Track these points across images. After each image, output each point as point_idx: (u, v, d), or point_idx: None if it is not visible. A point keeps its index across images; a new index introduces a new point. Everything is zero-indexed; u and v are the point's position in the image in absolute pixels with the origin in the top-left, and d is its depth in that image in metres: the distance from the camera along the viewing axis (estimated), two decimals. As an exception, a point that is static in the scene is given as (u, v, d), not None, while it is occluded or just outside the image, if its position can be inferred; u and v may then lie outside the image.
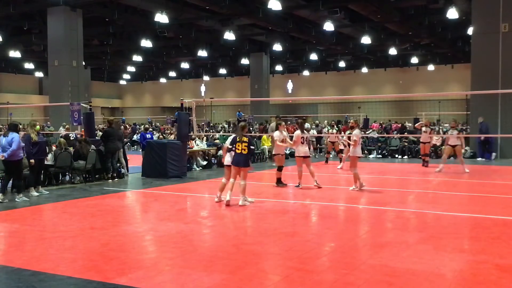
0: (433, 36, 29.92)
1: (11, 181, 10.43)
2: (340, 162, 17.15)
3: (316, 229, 7.55)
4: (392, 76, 44.63)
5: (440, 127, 28.61)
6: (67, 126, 20.80)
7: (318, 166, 17.50)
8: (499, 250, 6.22)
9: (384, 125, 29.97)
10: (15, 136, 10.01)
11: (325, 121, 29.82)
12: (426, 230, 7.41)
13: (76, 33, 23.40)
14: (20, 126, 12.38)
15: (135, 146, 26.86)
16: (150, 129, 28.23)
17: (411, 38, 31.43)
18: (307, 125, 23.40)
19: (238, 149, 9.35)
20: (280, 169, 12.08)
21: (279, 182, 12.04)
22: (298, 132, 11.89)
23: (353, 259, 5.89)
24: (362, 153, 16.61)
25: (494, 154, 18.94)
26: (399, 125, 29.74)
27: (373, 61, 41.47)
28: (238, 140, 9.42)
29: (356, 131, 11.40)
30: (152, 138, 16.20)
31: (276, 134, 12.41)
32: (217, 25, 27.04)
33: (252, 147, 9.48)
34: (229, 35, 26.72)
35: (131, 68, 46.64)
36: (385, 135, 23.01)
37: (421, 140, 16.95)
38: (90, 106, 16.78)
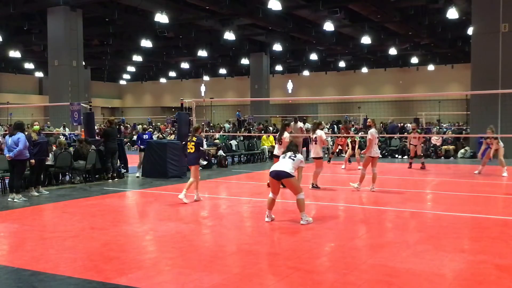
0: (433, 36, 29.92)
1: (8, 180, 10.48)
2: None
3: (316, 229, 7.55)
4: (392, 76, 44.64)
5: (439, 127, 28.62)
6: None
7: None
8: (499, 250, 6.22)
9: (385, 124, 29.83)
10: (21, 136, 10.03)
11: (323, 122, 29.71)
12: (426, 230, 7.41)
13: (76, 33, 23.41)
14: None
15: (135, 146, 26.79)
16: (150, 129, 28.21)
17: (411, 38, 31.44)
18: (307, 125, 23.40)
19: (188, 148, 10.07)
20: None
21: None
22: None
23: (353, 259, 5.89)
24: (359, 154, 16.53)
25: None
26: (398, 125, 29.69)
27: (373, 61, 41.48)
28: (188, 140, 10.20)
29: (371, 130, 11.23)
30: (149, 138, 15.68)
31: (286, 135, 12.21)
32: (217, 25, 27.05)
33: (200, 147, 10.12)
34: (229, 35, 26.72)
35: (131, 68, 46.64)
36: (385, 135, 22.99)
37: (411, 143, 16.66)
38: (90, 106, 16.79)
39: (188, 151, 10.08)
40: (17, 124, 10.44)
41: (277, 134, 12.54)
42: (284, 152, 8.30)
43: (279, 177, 7.81)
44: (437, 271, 5.36)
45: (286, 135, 11.79)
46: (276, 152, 12.22)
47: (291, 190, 7.90)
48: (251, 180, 13.96)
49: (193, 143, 10.03)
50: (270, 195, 7.96)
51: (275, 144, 12.81)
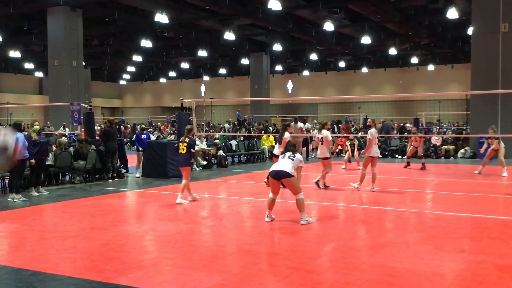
0: (433, 36, 29.93)
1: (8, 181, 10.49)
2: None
3: (316, 229, 7.55)
4: (392, 76, 44.64)
5: (439, 127, 28.64)
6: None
7: (319, 166, 17.50)
8: (499, 250, 6.22)
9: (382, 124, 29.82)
10: (19, 136, 10.03)
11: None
12: (426, 230, 7.41)
13: (76, 33, 23.41)
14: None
15: (135, 146, 26.76)
16: (150, 129, 28.17)
17: (411, 38, 31.45)
18: (307, 125, 23.40)
19: (180, 149, 9.91)
20: None
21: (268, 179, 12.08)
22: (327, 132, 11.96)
23: (353, 259, 5.89)
24: (359, 155, 16.54)
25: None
26: (397, 125, 29.73)
27: (373, 61, 41.48)
28: (180, 140, 10.07)
29: (371, 130, 11.25)
30: (147, 139, 15.31)
31: (287, 135, 12.21)
32: (217, 25, 27.06)
33: (192, 149, 9.97)
34: (229, 35, 26.73)
35: (131, 68, 46.64)
36: (385, 135, 22.98)
37: (413, 145, 16.71)
38: (90, 106, 16.79)
39: (180, 151, 9.92)
40: (15, 124, 10.47)
41: (278, 135, 12.55)
42: (283, 152, 8.31)
43: (279, 177, 7.81)
44: (437, 271, 5.36)
45: (287, 135, 11.81)
46: (275, 151, 12.22)
47: (291, 190, 7.90)
48: (251, 180, 13.95)
49: (185, 144, 9.87)
50: (270, 195, 7.97)
51: (275, 144, 12.78)
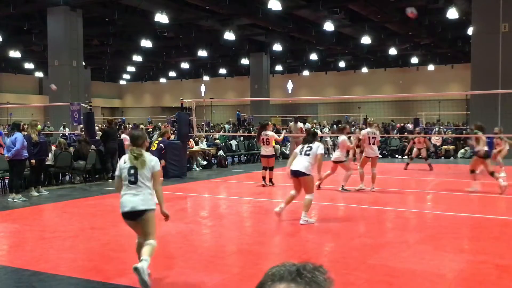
0: (433, 36, 29.91)
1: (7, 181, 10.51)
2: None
3: (316, 229, 7.55)
4: (392, 76, 44.60)
5: (439, 128, 28.63)
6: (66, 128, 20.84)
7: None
8: (499, 250, 6.22)
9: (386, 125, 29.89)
10: (18, 136, 10.06)
11: (324, 121, 29.82)
12: (426, 230, 7.41)
13: (76, 33, 23.40)
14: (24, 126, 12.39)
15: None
16: (149, 129, 28.17)
17: (411, 38, 31.44)
18: (307, 125, 23.40)
19: (151, 146, 10.28)
20: (265, 168, 12.20)
21: (264, 180, 12.13)
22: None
23: (353, 259, 5.89)
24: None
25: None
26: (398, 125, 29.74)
27: (373, 61, 41.45)
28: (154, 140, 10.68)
29: (363, 131, 11.25)
30: None
31: (271, 133, 12.21)
32: (217, 25, 27.03)
33: (162, 148, 10.29)
34: (229, 35, 26.72)
35: (131, 68, 46.60)
36: (385, 135, 22.97)
37: (416, 147, 16.57)
38: (90, 106, 16.79)
39: (151, 148, 10.20)
40: (14, 124, 10.51)
41: (257, 135, 12.66)
42: (302, 145, 8.08)
43: (297, 175, 7.75)
44: (437, 271, 5.36)
45: (271, 133, 11.92)
46: (262, 152, 12.25)
47: (304, 188, 7.81)
48: (251, 180, 13.95)
49: (156, 142, 10.30)
50: (292, 192, 7.92)
51: (262, 144, 12.55)
